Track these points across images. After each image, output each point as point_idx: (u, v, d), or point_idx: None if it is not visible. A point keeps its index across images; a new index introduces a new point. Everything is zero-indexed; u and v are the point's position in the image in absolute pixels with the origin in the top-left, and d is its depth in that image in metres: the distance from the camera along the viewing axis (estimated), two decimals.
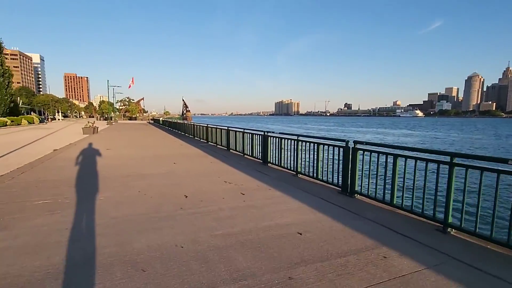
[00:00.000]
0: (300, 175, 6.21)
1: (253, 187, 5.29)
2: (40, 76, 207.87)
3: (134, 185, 5.31)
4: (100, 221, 3.48)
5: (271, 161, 7.52)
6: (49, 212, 3.78)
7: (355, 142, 4.66)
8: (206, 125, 14.25)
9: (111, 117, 52.89)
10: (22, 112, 47.65)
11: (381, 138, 41.85)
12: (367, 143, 4.61)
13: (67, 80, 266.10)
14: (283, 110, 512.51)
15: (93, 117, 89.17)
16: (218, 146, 11.99)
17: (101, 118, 55.07)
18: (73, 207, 4.03)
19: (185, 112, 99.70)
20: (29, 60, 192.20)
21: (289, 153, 6.66)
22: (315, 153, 5.63)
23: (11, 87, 35.83)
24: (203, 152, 10.14)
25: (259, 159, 8.18)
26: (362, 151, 4.55)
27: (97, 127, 19.42)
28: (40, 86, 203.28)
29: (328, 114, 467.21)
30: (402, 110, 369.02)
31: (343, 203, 4.34)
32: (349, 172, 4.73)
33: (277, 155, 7.20)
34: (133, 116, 74.68)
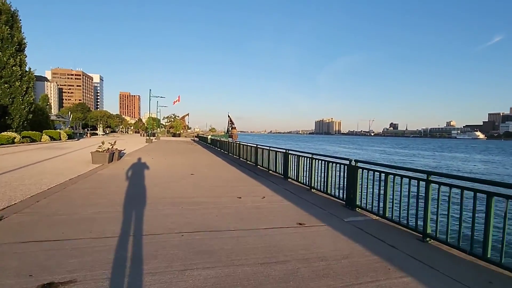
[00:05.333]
0: (313, 190, 6.84)
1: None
2: (98, 94, 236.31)
3: None
4: None
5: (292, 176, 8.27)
6: None
7: (356, 161, 5.25)
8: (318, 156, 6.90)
9: (153, 133, 48.47)
10: (55, 126, 41.25)
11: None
12: (366, 162, 5.17)
13: (121, 98, 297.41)
14: (324, 129, 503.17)
15: (138, 132, 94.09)
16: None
17: (145, 134, 53.75)
18: None
19: (230, 129, 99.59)
20: (90, 80, 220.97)
21: (305, 169, 7.36)
22: (325, 169, 6.27)
23: (30, 94, 27.15)
24: None
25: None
26: (361, 169, 5.12)
27: (117, 151, 12.45)
28: (98, 103, 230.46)
29: (372, 134, 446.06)
30: (459, 132, 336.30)
31: (342, 214, 4.91)
32: (351, 187, 5.30)
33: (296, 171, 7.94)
34: (177, 132, 74.43)
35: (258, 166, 11.42)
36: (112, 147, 12.05)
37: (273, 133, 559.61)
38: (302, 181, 7.54)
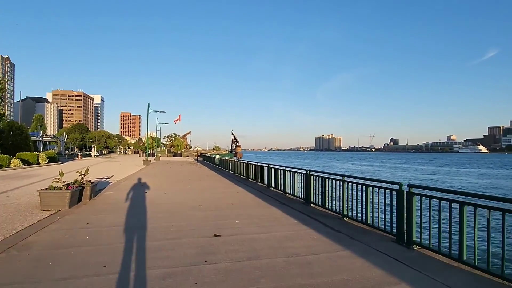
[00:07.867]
0: (346, 219, 5.77)
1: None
2: (99, 114, 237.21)
3: None
4: None
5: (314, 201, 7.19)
6: None
7: (410, 186, 4.24)
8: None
9: (151, 154, 45.00)
10: (39, 147, 37.87)
11: None
12: (424, 187, 4.18)
13: (122, 118, 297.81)
14: (324, 145, 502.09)
15: (137, 152, 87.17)
16: None
17: (144, 154, 49.10)
18: None
19: (234, 147, 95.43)
20: (91, 101, 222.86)
21: (333, 193, 6.30)
22: (364, 195, 5.23)
23: None
24: None
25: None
26: (419, 196, 4.11)
27: (90, 184, 7.99)
28: (99, 123, 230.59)
29: (373, 149, 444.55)
30: (460, 146, 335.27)
31: (397, 255, 3.86)
32: (405, 218, 4.27)
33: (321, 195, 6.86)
34: (178, 152, 68.99)
35: (312, 205, 7.32)
36: (82, 178, 7.77)
37: (274, 150, 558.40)
38: (330, 207, 6.45)
